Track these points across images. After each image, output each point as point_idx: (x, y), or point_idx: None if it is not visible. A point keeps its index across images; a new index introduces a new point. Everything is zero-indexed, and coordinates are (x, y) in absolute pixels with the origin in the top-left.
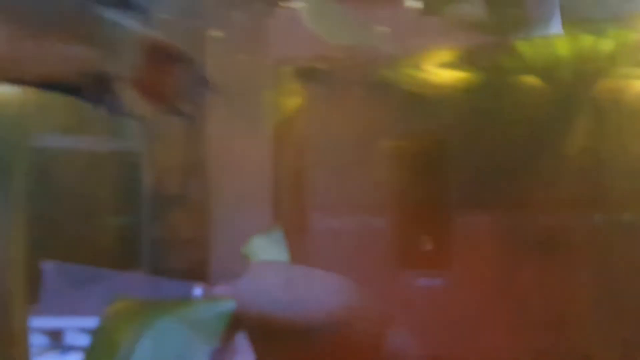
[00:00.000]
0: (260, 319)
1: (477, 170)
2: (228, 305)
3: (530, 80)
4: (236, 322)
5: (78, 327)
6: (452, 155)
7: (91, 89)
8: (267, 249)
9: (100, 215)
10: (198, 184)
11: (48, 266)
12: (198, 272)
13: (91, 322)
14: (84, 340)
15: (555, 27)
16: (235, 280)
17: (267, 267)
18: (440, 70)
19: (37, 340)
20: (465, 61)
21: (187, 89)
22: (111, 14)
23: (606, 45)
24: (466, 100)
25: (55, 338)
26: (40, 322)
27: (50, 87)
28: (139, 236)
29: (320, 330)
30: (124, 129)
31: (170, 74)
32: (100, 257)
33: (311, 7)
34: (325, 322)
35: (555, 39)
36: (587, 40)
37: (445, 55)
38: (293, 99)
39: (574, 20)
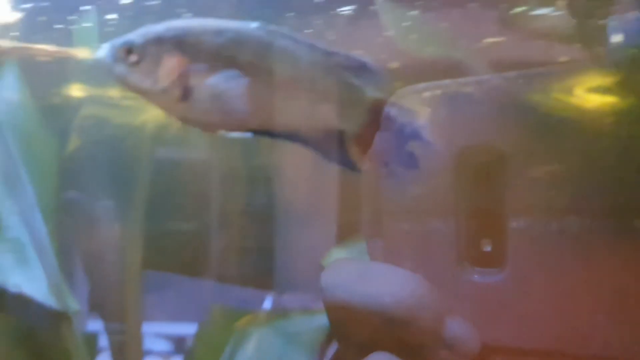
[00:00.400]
0: (340, 308)
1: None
2: (324, 320)
3: None
4: (330, 336)
5: (154, 332)
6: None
7: (326, 143)
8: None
9: (173, 222)
10: (264, 192)
11: None
12: (265, 280)
13: (166, 327)
14: (161, 345)
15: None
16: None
17: (345, 263)
18: (589, 94)
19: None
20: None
21: (403, 147)
22: (352, 78)
23: None
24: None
25: None
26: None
27: (291, 138)
28: (208, 243)
29: (390, 316)
30: (197, 139)
31: (389, 133)
32: (171, 263)
33: (397, 20)
34: (394, 310)
35: None
36: None
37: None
38: None
39: None
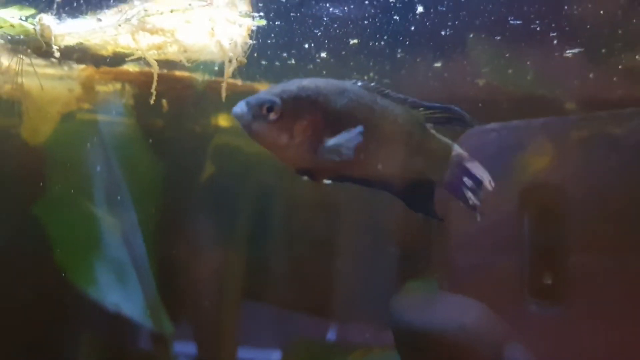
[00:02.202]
0: (406, 334)
1: None
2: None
3: None
4: None
5: None
6: None
7: (415, 193)
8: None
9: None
10: (326, 220)
11: None
12: (324, 309)
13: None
14: None
15: None
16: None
17: (413, 292)
18: None
19: None
20: None
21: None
22: (437, 130)
23: None
24: None
25: None
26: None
27: (385, 187)
28: (267, 268)
29: (454, 342)
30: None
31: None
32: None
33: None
34: (458, 336)
35: None
36: None
37: None
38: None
39: None
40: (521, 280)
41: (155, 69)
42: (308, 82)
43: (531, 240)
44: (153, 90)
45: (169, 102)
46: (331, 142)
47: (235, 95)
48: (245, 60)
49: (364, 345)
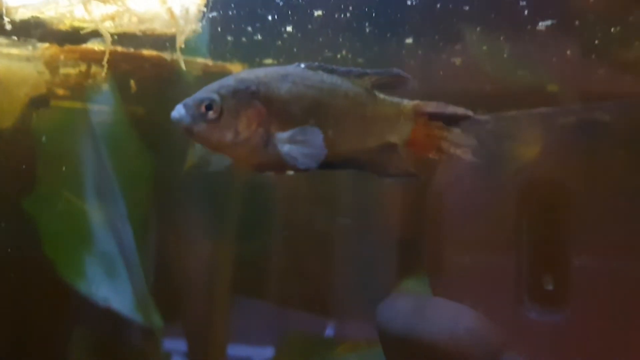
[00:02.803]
0: (394, 342)
1: None
2: None
3: None
4: None
5: None
6: None
7: (382, 160)
8: (413, 289)
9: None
10: (324, 216)
11: None
12: (321, 305)
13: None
14: None
15: None
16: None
17: (401, 297)
18: None
19: None
20: None
21: (455, 138)
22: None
23: None
24: None
25: None
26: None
27: (349, 165)
28: (266, 265)
29: (445, 352)
30: None
31: (439, 128)
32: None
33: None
34: (449, 346)
35: None
36: None
37: None
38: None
39: None
40: (518, 278)
41: (108, 40)
42: (246, 73)
43: (526, 236)
44: (104, 63)
45: (137, 83)
46: (286, 145)
47: (207, 75)
48: (200, 30)
49: (354, 339)
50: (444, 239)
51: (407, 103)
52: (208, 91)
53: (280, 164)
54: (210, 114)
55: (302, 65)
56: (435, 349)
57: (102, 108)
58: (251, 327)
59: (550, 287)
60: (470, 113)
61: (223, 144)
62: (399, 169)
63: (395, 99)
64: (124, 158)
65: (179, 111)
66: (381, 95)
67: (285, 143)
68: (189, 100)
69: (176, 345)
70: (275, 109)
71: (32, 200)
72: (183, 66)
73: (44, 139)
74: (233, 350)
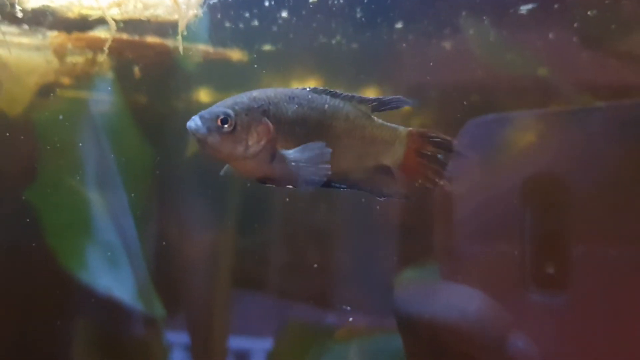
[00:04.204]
0: (411, 323)
1: None
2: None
3: None
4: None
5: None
6: None
7: (377, 181)
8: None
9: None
10: (327, 210)
11: None
12: (324, 297)
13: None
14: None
15: None
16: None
17: (415, 282)
18: None
19: None
20: None
21: (444, 166)
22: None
23: None
24: None
25: None
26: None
27: (347, 185)
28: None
29: (457, 331)
30: None
31: (431, 157)
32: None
33: (481, 38)
34: (460, 325)
35: None
36: None
37: None
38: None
39: None
40: (524, 268)
41: (113, 27)
42: (258, 93)
43: (532, 230)
44: (105, 49)
45: (141, 70)
46: (291, 153)
47: (207, 62)
48: (201, 14)
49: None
50: (453, 229)
51: (403, 129)
52: (224, 106)
53: (283, 178)
54: (226, 127)
55: (308, 89)
56: (447, 327)
57: (105, 97)
58: (251, 317)
59: (551, 272)
60: (454, 144)
61: (233, 156)
62: (390, 190)
63: (392, 125)
64: (126, 147)
65: (195, 122)
66: (379, 120)
67: (294, 159)
68: (204, 112)
69: (179, 336)
70: (282, 127)
71: (35, 190)
72: (184, 53)
73: (45, 127)
74: (233, 341)
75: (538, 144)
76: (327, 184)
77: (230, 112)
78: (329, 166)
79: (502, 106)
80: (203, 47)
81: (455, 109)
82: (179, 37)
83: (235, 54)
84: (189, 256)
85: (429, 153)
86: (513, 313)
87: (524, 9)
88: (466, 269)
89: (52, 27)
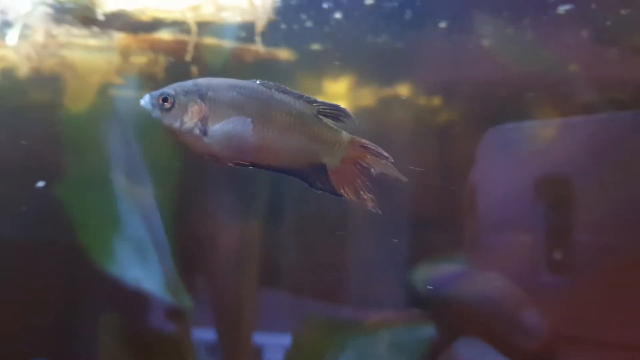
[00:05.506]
0: (444, 301)
1: None
2: (428, 332)
3: None
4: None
5: None
6: None
7: (313, 175)
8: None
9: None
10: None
11: None
12: (336, 293)
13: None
14: None
15: None
16: None
17: (446, 268)
18: None
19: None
20: None
21: (372, 181)
22: (330, 122)
23: None
24: None
25: None
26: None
27: (285, 171)
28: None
29: (481, 307)
30: None
31: (364, 169)
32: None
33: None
34: (484, 303)
35: None
36: None
37: None
38: None
39: None
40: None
41: (194, 31)
42: (203, 80)
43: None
44: (189, 52)
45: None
46: (217, 126)
47: (257, 62)
48: (275, 18)
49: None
50: (481, 223)
51: (346, 135)
52: (169, 88)
53: (217, 153)
54: (165, 104)
55: (258, 82)
56: (475, 307)
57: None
58: (275, 312)
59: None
60: (390, 160)
61: (171, 130)
62: (326, 187)
63: (336, 128)
64: (154, 143)
65: (144, 99)
66: (325, 120)
67: (217, 130)
68: (154, 92)
69: (205, 332)
70: (219, 109)
71: (65, 187)
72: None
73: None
74: (260, 332)
75: (556, 149)
76: (268, 168)
77: (171, 92)
78: (250, 135)
79: (532, 106)
80: (254, 48)
81: (483, 107)
82: (257, 39)
83: (283, 54)
84: (217, 249)
85: (365, 165)
86: (527, 293)
87: (562, 9)
88: (492, 258)
89: (120, 29)
